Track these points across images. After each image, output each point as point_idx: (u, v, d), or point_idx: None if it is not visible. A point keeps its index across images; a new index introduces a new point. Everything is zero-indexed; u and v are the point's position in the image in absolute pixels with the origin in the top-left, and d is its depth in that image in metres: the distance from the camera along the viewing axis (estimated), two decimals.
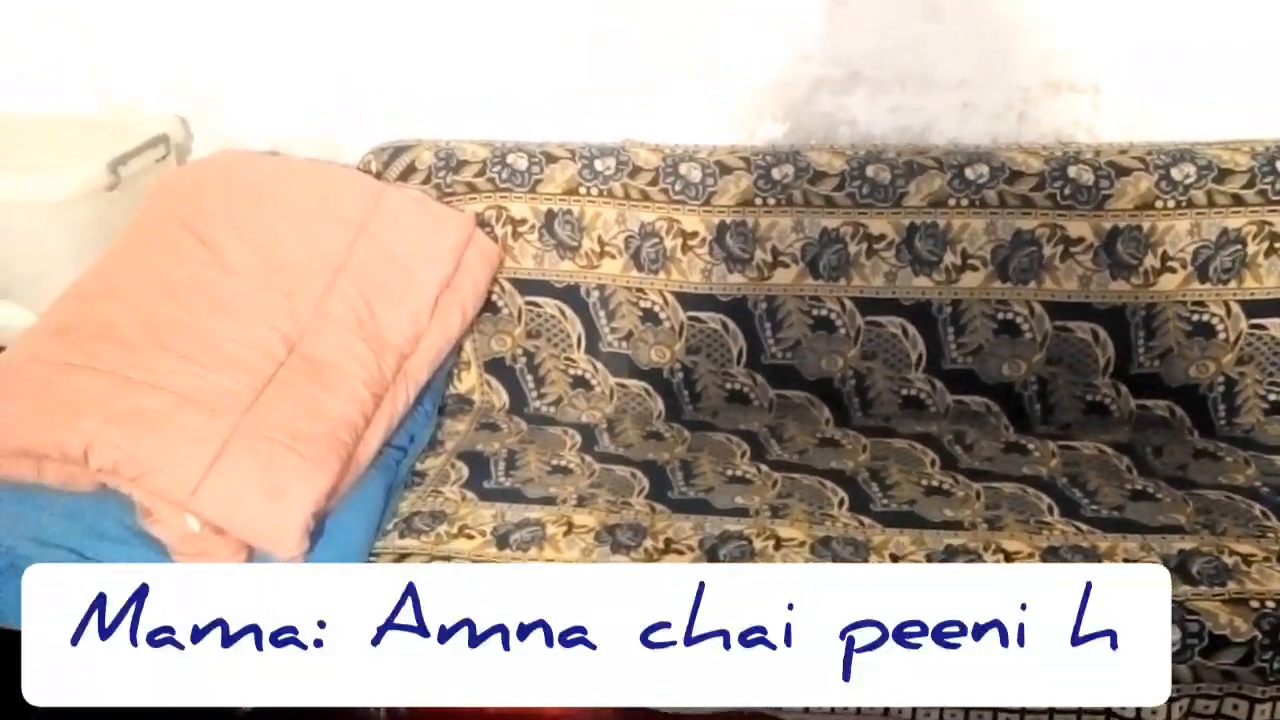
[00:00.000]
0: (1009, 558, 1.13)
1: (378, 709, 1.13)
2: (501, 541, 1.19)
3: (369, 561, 1.15)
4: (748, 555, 1.16)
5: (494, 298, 1.47)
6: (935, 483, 1.28)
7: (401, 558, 1.17)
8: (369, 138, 1.55)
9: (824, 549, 1.16)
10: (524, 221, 1.44)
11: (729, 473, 1.33)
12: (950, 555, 1.14)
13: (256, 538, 1.04)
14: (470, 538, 1.20)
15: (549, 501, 1.27)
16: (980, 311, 1.38)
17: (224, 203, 1.29)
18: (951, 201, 1.36)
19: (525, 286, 1.47)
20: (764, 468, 1.34)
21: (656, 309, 1.44)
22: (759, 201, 1.41)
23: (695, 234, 1.42)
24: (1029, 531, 1.18)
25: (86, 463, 1.00)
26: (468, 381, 1.52)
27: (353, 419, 1.17)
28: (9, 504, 1.10)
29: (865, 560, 1.14)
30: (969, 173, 1.36)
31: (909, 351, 1.41)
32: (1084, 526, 1.18)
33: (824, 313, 1.41)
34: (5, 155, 1.39)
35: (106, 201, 1.36)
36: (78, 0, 1.54)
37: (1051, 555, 1.13)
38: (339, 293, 1.24)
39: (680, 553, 1.16)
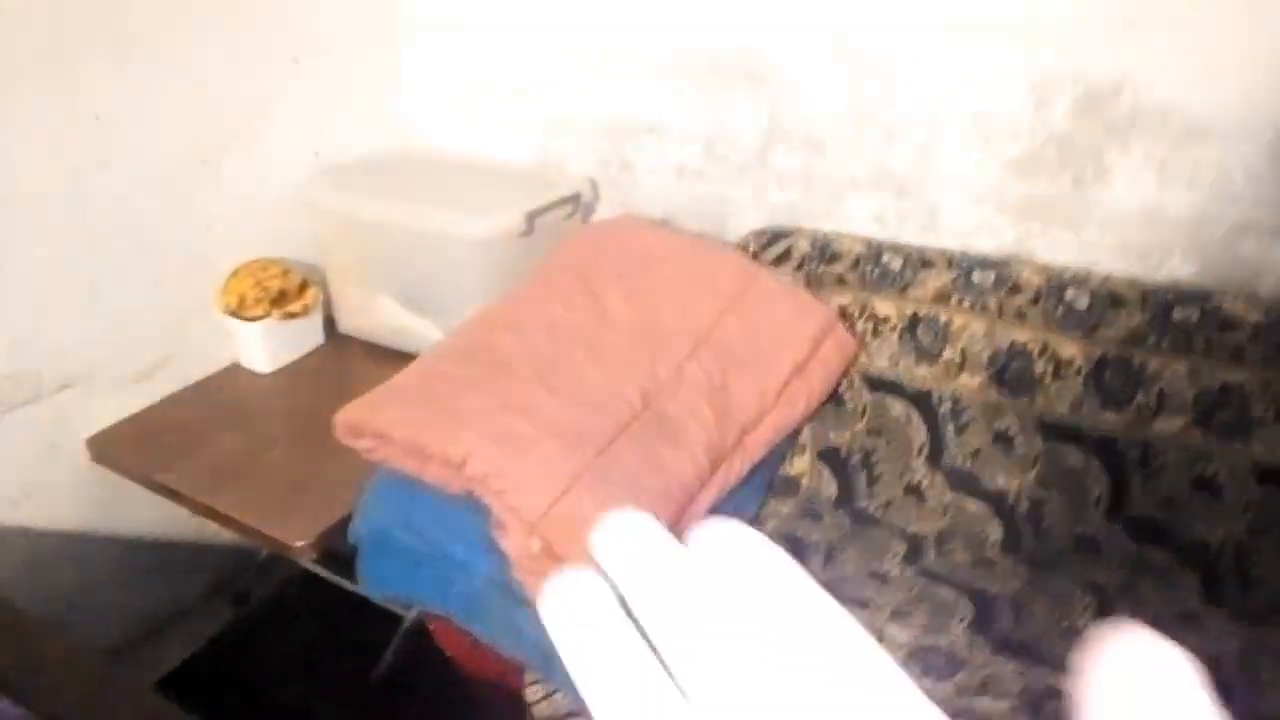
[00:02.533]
0: None
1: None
2: None
3: None
4: None
5: (841, 390, 1.47)
6: None
7: None
8: (752, 219, 1.63)
9: None
10: (887, 320, 1.43)
11: (1064, 624, 1.21)
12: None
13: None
14: None
15: (863, 605, 1.23)
16: None
17: (616, 262, 1.42)
18: None
19: (876, 384, 1.45)
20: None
21: (1011, 432, 1.36)
22: (1151, 341, 1.29)
23: (1071, 363, 1.33)
24: None
25: (462, 469, 1.14)
26: (799, 465, 1.52)
27: (688, 480, 1.22)
28: (393, 491, 1.27)
29: None
30: None
31: None
32: None
33: (1210, 473, 1.25)
34: (449, 193, 1.62)
35: (519, 246, 1.54)
36: (529, 66, 1.77)
37: None
38: (699, 360, 1.31)
39: (996, 697, 1.08)
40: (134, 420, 1.51)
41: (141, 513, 1.55)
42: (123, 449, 1.46)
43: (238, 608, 1.79)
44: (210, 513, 1.34)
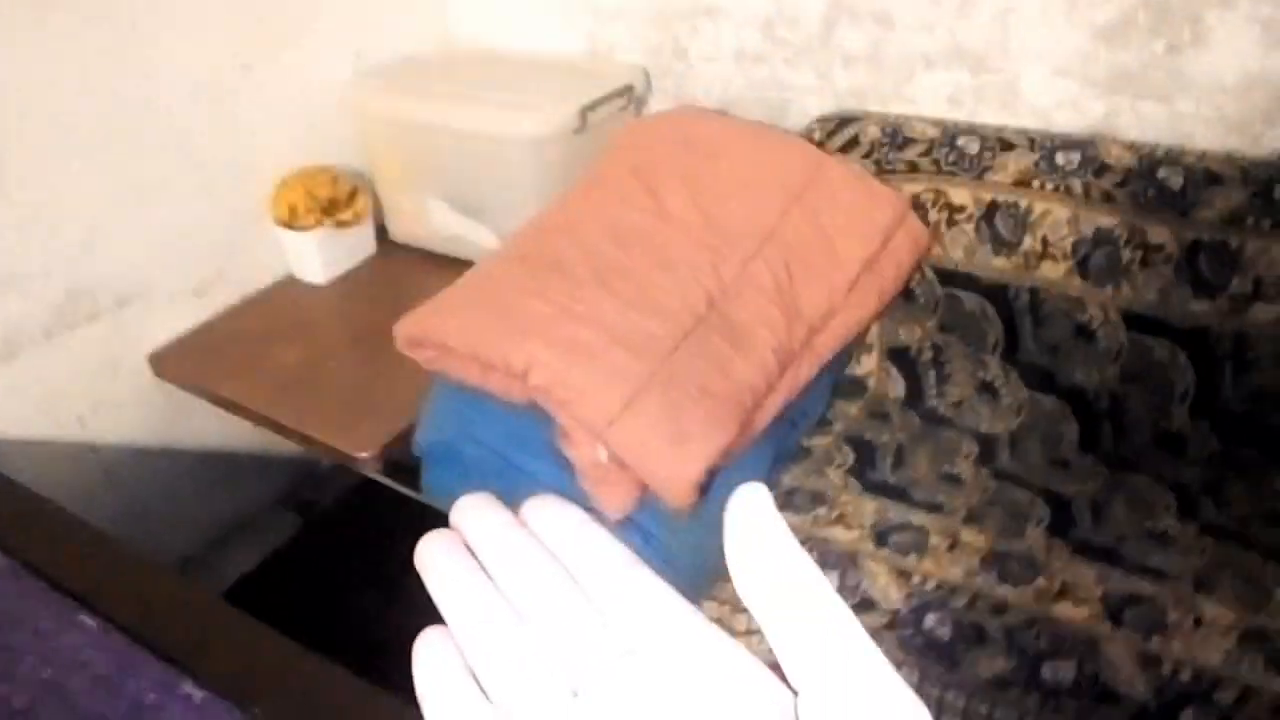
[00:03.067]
0: (1199, 623, 0.99)
1: None
2: (880, 539, 1.15)
3: None
4: (1157, 627, 1.01)
5: (912, 284, 1.40)
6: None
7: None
8: (816, 105, 1.54)
9: (1255, 642, 0.98)
10: (962, 209, 1.35)
11: (1148, 525, 1.17)
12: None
13: (653, 479, 1.09)
14: (848, 528, 1.17)
15: (935, 509, 1.20)
16: None
17: (675, 157, 1.35)
18: None
19: (949, 278, 1.38)
20: (1192, 529, 1.16)
21: (1094, 325, 1.29)
22: (1250, 222, 1.20)
23: (1161, 249, 1.24)
24: (1244, 604, 1.00)
25: (525, 379, 1.11)
26: (866, 365, 1.47)
27: (756, 383, 1.18)
28: (455, 401, 1.26)
29: None
30: None
31: None
32: None
33: None
34: (497, 90, 1.56)
35: (573, 143, 1.48)
36: None
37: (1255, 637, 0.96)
38: (764, 258, 1.25)
39: (1077, 602, 1.05)
40: (193, 335, 1.51)
41: (205, 426, 1.57)
42: (184, 364, 1.47)
43: (302, 518, 1.82)
44: (273, 424, 1.35)
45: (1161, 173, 1.25)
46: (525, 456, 1.17)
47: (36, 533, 1.10)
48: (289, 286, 1.63)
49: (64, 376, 1.37)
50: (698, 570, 1.12)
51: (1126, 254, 1.26)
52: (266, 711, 0.86)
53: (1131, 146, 1.29)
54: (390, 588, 1.67)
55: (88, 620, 0.97)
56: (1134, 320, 1.27)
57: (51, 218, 1.30)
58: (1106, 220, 1.27)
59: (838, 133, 1.43)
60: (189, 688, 0.89)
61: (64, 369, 1.37)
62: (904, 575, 1.11)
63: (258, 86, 1.52)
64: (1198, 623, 1.01)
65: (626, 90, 1.59)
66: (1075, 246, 1.29)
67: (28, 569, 1.03)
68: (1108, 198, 1.27)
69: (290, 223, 1.54)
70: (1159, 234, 1.25)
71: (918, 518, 1.18)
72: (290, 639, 0.96)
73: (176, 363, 1.47)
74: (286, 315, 1.56)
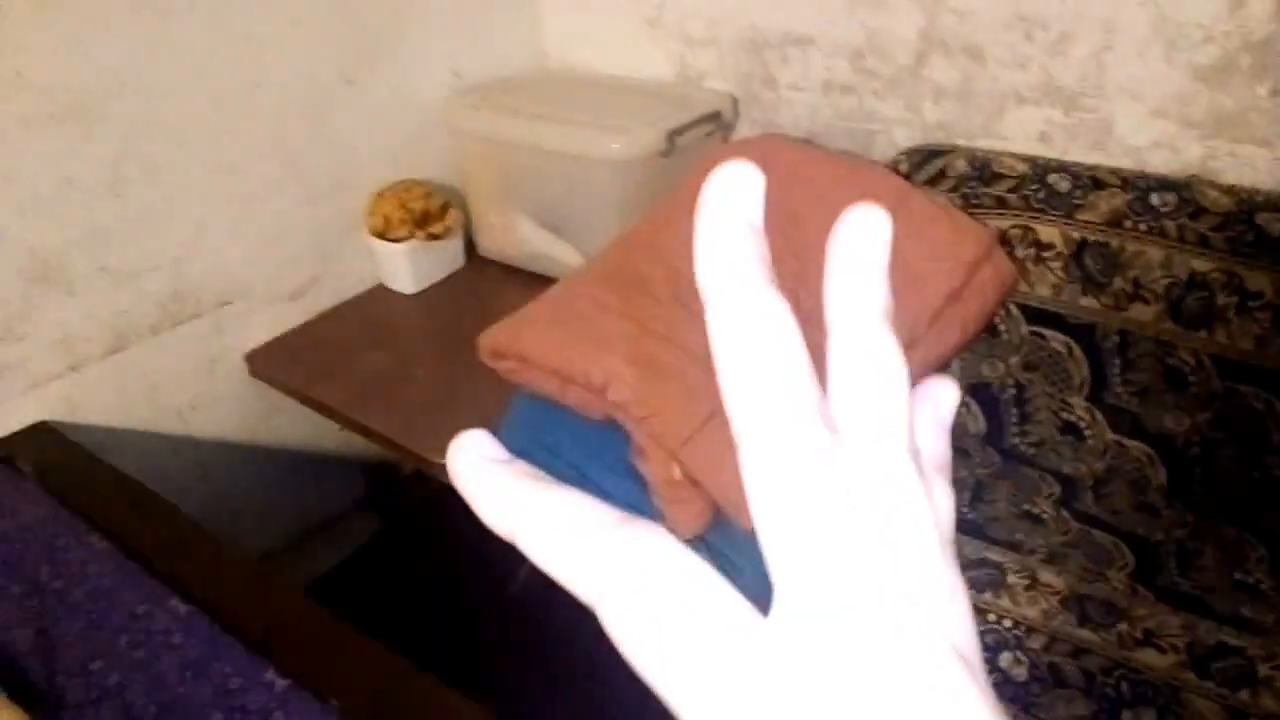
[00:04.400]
0: None
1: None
2: None
3: None
4: (1247, 679, 0.98)
5: (997, 321, 1.39)
6: None
7: None
8: (904, 138, 1.54)
9: None
10: (1051, 247, 1.34)
11: (1237, 576, 1.13)
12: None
13: (725, 500, 1.09)
14: None
15: (1014, 548, 1.18)
16: None
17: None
18: None
19: (1035, 315, 1.36)
20: None
21: (1186, 370, 1.26)
22: None
23: (1259, 295, 1.21)
24: None
25: (603, 394, 1.12)
26: None
27: None
28: (533, 412, 1.27)
29: None
30: None
31: None
32: None
33: None
34: (588, 112, 1.59)
35: (659, 166, 1.50)
36: None
37: None
38: None
39: (1161, 650, 1.02)
40: (287, 337, 1.57)
41: (294, 426, 1.62)
42: (277, 364, 1.52)
43: (382, 521, 1.86)
44: (359, 427, 1.39)
45: (1261, 218, 1.22)
46: (600, 470, 1.17)
47: (135, 519, 1.15)
48: (380, 295, 1.68)
49: (167, 372, 1.44)
50: (767, 591, 1.11)
51: (1222, 299, 1.23)
52: (345, 704, 0.89)
53: (1230, 190, 1.26)
54: (462, 593, 1.71)
55: (179, 605, 1.01)
56: (1228, 367, 1.24)
57: (161, 218, 1.37)
58: (1201, 264, 1.24)
59: (925, 165, 1.42)
60: (271, 675, 0.92)
61: (167, 364, 1.43)
62: (979, 612, 1.09)
63: (358, 100, 1.58)
64: None
65: (714, 116, 1.61)
66: (1168, 289, 1.26)
67: (125, 553, 1.08)
68: (1204, 241, 1.24)
69: (384, 233, 1.59)
70: (1256, 280, 1.22)
71: (995, 555, 1.16)
72: (368, 636, 0.99)
73: (270, 363, 1.52)
74: (376, 322, 1.61)
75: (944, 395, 0.23)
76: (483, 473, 0.21)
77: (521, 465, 0.21)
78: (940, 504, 0.20)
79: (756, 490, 0.19)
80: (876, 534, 0.18)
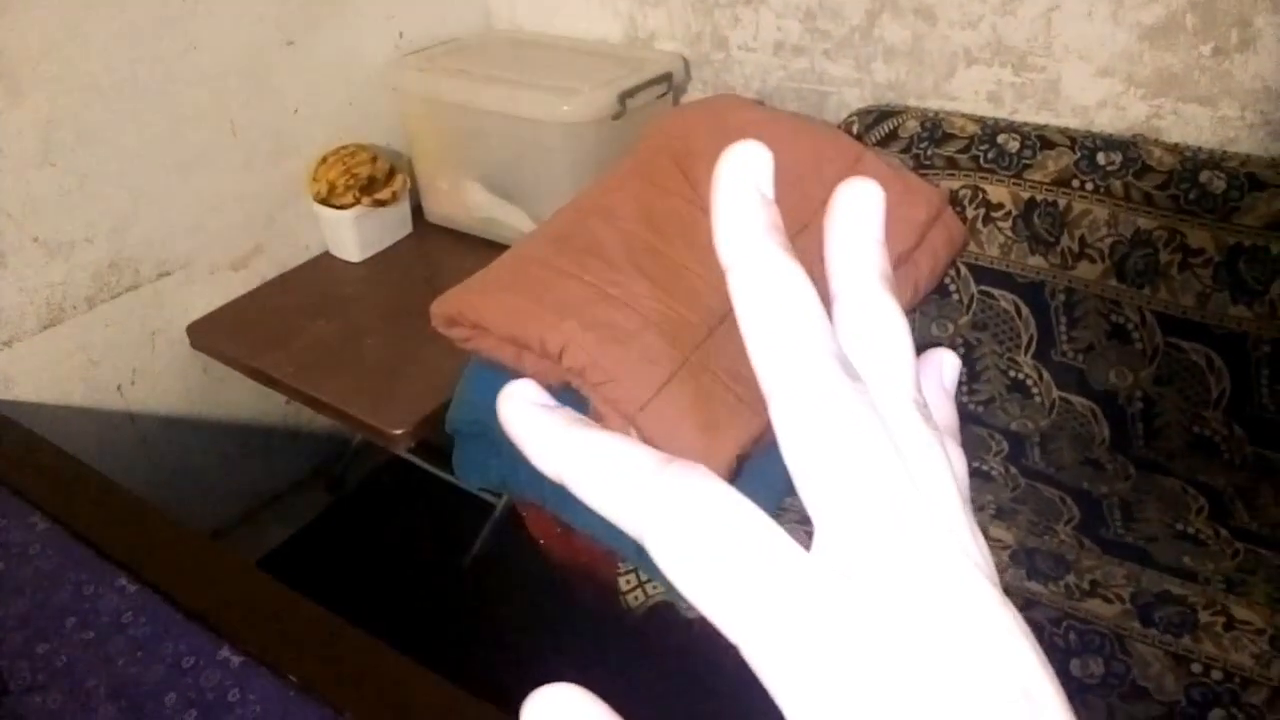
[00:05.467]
0: (1230, 625, 0.99)
1: None
2: None
3: (778, 514, 1.17)
4: (1189, 626, 1.01)
5: (947, 281, 1.40)
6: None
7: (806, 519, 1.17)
8: (855, 98, 1.54)
9: None
10: (1000, 207, 1.35)
11: (1179, 527, 1.17)
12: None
13: None
14: None
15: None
16: None
17: (712, 144, 1.35)
18: None
19: (983, 275, 1.38)
20: (1224, 532, 1.16)
21: (1130, 327, 1.29)
22: None
23: (1201, 252, 1.24)
24: (1276, 607, 1.00)
25: (559, 360, 1.12)
26: None
27: None
28: (488, 380, 1.27)
29: None
30: None
31: None
32: None
33: None
34: (537, 74, 1.56)
35: (610, 129, 1.49)
36: None
37: None
38: (799, 248, 1.25)
39: (1107, 600, 1.05)
40: (230, 308, 1.53)
41: (240, 399, 1.59)
42: (220, 336, 1.49)
43: (332, 494, 1.84)
44: (307, 399, 1.36)
45: (1203, 176, 1.24)
46: None
47: (77, 497, 1.12)
48: (325, 263, 1.65)
49: (105, 345, 1.39)
50: None
51: (1165, 256, 1.26)
52: (302, 678, 0.88)
53: (1174, 149, 1.28)
54: (415, 566, 1.69)
55: (127, 584, 0.99)
56: (1170, 323, 1.27)
57: (96, 186, 1.32)
58: (1146, 222, 1.27)
59: (876, 126, 1.42)
60: (226, 653, 0.91)
61: (105, 337, 1.39)
62: None
63: (300, 63, 1.53)
64: (1229, 624, 1.00)
65: (665, 78, 1.59)
66: (1114, 247, 1.28)
67: (69, 532, 1.05)
68: (1148, 199, 1.26)
69: (328, 200, 1.56)
70: (1199, 238, 1.24)
71: None
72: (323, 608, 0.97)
73: (213, 335, 1.48)
74: (322, 292, 1.58)
75: (946, 362, 0.25)
76: (530, 418, 0.22)
77: (568, 411, 0.22)
78: (955, 463, 0.21)
79: (793, 435, 0.20)
80: (909, 470, 0.19)
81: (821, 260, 0.23)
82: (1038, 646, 0.18)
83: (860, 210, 0.23)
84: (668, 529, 0.19)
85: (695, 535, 0.18)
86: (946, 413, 0.24)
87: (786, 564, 0.18)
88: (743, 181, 0.23)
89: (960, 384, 1.42)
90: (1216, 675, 0.96)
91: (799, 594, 0.18)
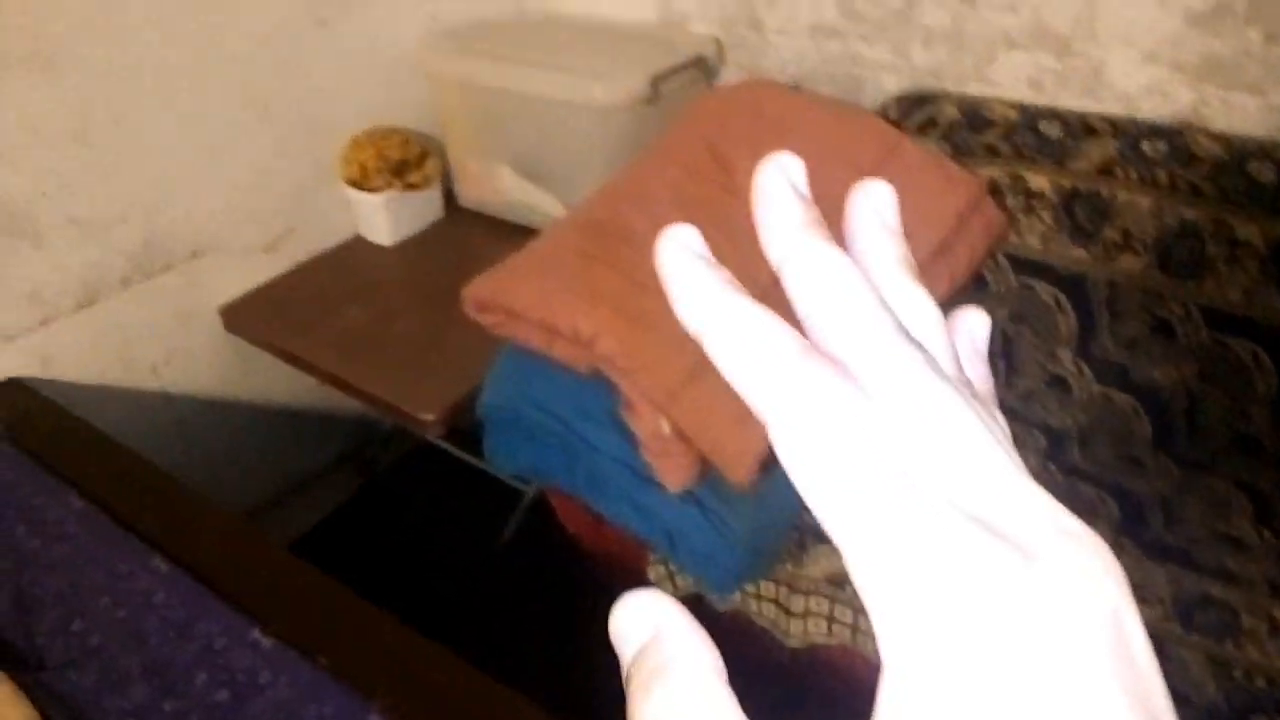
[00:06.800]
0: (1274, 630, 0.96)
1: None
2: None
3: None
4: (1230, 632, 0.99)
5: (985, 272, 1.38)
6: None
7: None
8: (892, 83, 1.51)
9: None
10: (1040, 196, 1.32)
11: (1221, 528, 1.14)
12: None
13: (715, 454, 1.09)
14: None
15: None
16: None
17: (747, 129, 1.33)
18: None
19: (1023, 266, 1.35)
20: (1268, 534, 1.13)
21: (1174, 322, 1.26)
22: None
23: (1248, 245, 1.20)
24: None
25: (591, 347, 1.11)
26: None
27: None
28: (520, 366, 1.26)
29: None
30: None
31: None
32: None
33: None
34: (569, 57, 1.55)
35: (643, 113, 1.47)
36: None
37: None
38: (833, 237, 1.23)
39: (1147, 602, 1.03)
40: (263, 290, 1.53)
41: (272, 381, 1.60)
42: (253, 318, 1.49)
43: (363, 478, 1.85)
44: (339, 383, 1.36)
45: (1252, 166, 1.21)
46: (588, 425, 1.17)
47: (112, 477, 1.13)
48: (357, 247, 1.64)
49: (139, 325, 1.40)
50: (756, 548, 1.11)
51: (1211, 249, 1.22)
52: (333, 662, 0.88)
53: (1221, 138, 1.25)
54: (444, 551, 1.70)
55: (161, 564, 0.99)
56: (1215, 318, 1.24)
57: (131, 166, 1.32)
58: (1192, 213, 1.23)
59: (914, 112, 1.40)
60: (256, 635, 0.91)
61: (139, 318, 1.40)
62: None
63: (332, 43, 1.53)
64: (1273, 629, 0.98)
65: (698, 61, 1.57)
66: (1158, 239, 1.25)
67: (105, 512, 1.06)
68: (1194, 190, 1.23)
69: (360, 183, 1.55)
70: (1247, 230, 1.21)
71: None
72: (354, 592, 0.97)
73: (246, 317, 1.49)
74: (354, 275, 1.58)
75: (976, 324, 0.25)
76: (686, 265, 0.22)
77: (725, 271, 0.23)
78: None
79: (893, 409, 0.20)
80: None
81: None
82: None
83: (871, 205, 0.24)
84: (795, 424, 0.19)
85: (821, 437, 0.19)
86: (981, 375, 0.24)
87: (922, 504, 0.18)
88: (783, 183, 0.23)
89: (996, 377, 1.40)
90: (1260, 683, 0.93)
91: (929, 532, 0.18)
